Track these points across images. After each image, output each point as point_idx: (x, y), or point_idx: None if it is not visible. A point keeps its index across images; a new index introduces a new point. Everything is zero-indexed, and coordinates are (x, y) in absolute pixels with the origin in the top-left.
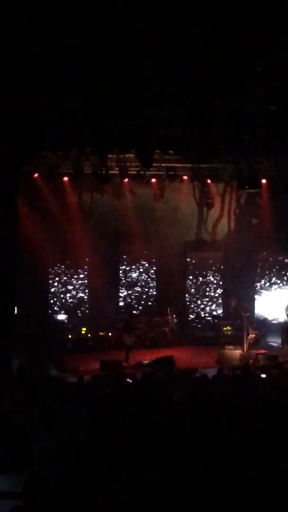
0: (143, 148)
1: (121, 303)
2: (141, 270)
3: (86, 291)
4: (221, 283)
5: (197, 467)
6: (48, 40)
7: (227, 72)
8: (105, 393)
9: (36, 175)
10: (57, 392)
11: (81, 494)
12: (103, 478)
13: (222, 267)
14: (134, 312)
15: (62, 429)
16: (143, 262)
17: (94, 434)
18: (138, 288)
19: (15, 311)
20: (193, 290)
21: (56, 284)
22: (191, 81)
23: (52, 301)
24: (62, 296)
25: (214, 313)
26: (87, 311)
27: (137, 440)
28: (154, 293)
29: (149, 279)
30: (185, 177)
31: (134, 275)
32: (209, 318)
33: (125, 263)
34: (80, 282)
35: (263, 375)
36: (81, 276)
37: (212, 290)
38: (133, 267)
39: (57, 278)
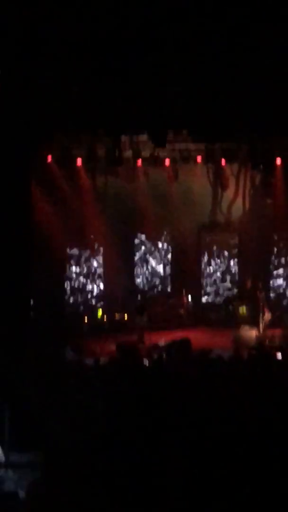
0: (156, 128)
1: (136, 285)
2: (156, 252)
3: (101, 274)
4: (236, 263)
5: (215, 447)
6: (59, 20)
7: (239, 47)
8: (121, 374)
9: (49, 158)
10: (74, 374)
11: (97, 468)
12: (118, 455)
13: (237, 248)
14: (149, 293)
15: (79, 409)
16: (158, 244)
17: (111, 413)
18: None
19: (31, 296)
20: (208, 271)
21: (71, 267)
22: (202, 57)
23: (67, 285)
24: (77, 279)
25: (230, 293)
26: (103, 294)
27: (153, 420)
28: (169, 275)
29: (164, 261)
30: (199, 159)
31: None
32: (224, 299)
33: (140, 245)
34: (95, 265)
35: (279, 354)
36: (96, 259)
37: (227, 271)
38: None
39: (72, 262)
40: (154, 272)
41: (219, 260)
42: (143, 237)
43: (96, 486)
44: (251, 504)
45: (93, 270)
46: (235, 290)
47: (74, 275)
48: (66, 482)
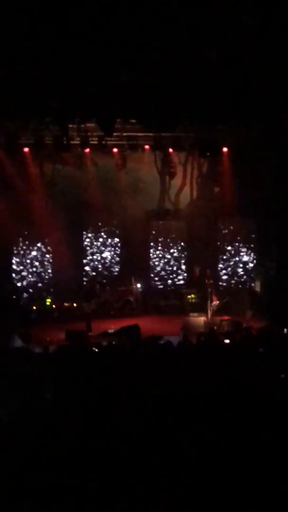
0: (104, 116)
1: (85, 273)
2: (105, 240)
3: (50, 262)
4: (184, 251)
5: (163, 432)
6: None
7: (186, 36)
8: (70, 361)
9: None
10: (22, 361)
11: (45, 454)
12: (66, 441)
13: (185, 235)
14: (98, 281)
15: (27, 395)
16: (106, 232)
17: (60, 400)
18: (103, 255)
19: None
20: (156, 259)
21: (19, 255)
22: (151, 46)
23: (15, 273)
24: (25, 267)
25: (178, 281)
26: (51, 282)
27: (103, 406)
28: (118, 262)
29: (112, 249)
30: (146, 147)
31: (98, 244)
32: (173, 287)
33: (88, 233)
34: (43, 253)
35: (227, 341)
36: (44, 247)
37: (176, 259)
38: (97, 236)
39: (20, 250)
40: (102, 260)
41: (167, 248)
42: (91, 224)
43: (43, 472)
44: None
45: (41, 257)
46: (184, 277)
47: (21, 263)
48: (12, 467)
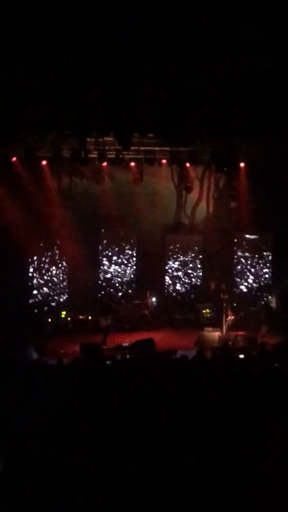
0: (122, 130)
1: (100, 286)
2: (121, 253)
3: (66, 274)
4: (200, 265)
5: (177, 446)
6: (25, 19)
7: (206, 52)
8: (84, 374)
9: (14, 158)
10: (37, 373)
11: (59, 462)
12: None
13: (201, 250)
14: (113, 295)
15: (42, 407)
16: (122, 245)
17: (73, 412)
18: (119, 268)
19: None
20: (172, 273)
21: (35, 267)
22: (169, 61)
23: (31, 284)
24: (41, 279)
25: (194, 295)
26: (67, 295)
27: (116, 419)
28: (133, 276)
29: (128, 262)
30: (163, 161)
31: (114, 257)
32: (188, 301)
33: (104, 246)
34: (59, 265)
35: (242, 356)
36: (60, 259)
37: (191, 273)
38: (113, 250)
39: (36, 262)
40: (118, 273)
41: (182, 262)
42: (107, 238)
43: (57, 481)
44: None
45: (56, 269)
46: (199, 292)
47: (38, 275)
48: (27, 477)
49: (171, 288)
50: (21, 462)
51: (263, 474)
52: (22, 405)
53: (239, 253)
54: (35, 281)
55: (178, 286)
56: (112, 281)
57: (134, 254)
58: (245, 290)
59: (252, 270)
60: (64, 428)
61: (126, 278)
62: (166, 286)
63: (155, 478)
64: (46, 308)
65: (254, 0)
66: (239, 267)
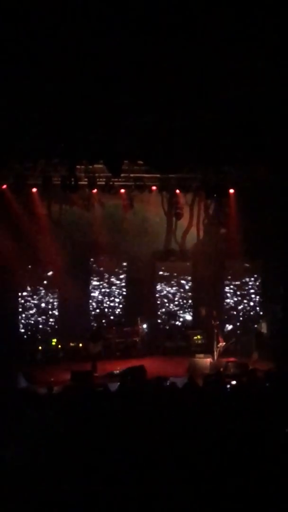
0: (111, 158)
1: (90, 313)
2: (111, 280)
3: (56, 301)
4: (190, 292)
5: (170, 475)
6: (14, 46)
7: (194, 82)
8: (75, 402)
9: (4, 186)
10: (26, 402)
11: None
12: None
13: (191, 276)
14: (104, 322)
15: (31, 436)
16: (113, 272)
17: (63, 441)
18: (109, 295)
19: None
20: (162, 299)
21: (25, 294)
22: (158, 91)
23: (20, 312)
24: (31, 306)
25: (184, 322)
26: (57, 322)
27: (109, 446)
28: (124, 303)
29: (118, 289)
30: (153, 188)
31: (104, 284)
32: (179, 328)
33: (94, 273)
34: (49, 292)
35: (233, 382)
36: (50, 286)
37: (182, 300)
38: (103, 277)
39: (26, 289)
40: (108, 300)
41: (173, 289)
42: (97, 264)
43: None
44: None
45: (46, 297)
46: (190, 319)
47: (28, 303)
48: (17, 507)
49: (162, 315)
50: (10, 492)
51: (257, 498)
52: (11, 434)
53: (229, 279)
54: (25, 308)
55: (167, 313)
56: (103, 308)
57: (124, 280)
58: (234, 316)
59: (242, 297)
60: (55, 458)
61: (116, 305)
62: (156, 313)
63: (148, 507)
64: (36, 335)
65: (239, 33)
66: (229, 293)
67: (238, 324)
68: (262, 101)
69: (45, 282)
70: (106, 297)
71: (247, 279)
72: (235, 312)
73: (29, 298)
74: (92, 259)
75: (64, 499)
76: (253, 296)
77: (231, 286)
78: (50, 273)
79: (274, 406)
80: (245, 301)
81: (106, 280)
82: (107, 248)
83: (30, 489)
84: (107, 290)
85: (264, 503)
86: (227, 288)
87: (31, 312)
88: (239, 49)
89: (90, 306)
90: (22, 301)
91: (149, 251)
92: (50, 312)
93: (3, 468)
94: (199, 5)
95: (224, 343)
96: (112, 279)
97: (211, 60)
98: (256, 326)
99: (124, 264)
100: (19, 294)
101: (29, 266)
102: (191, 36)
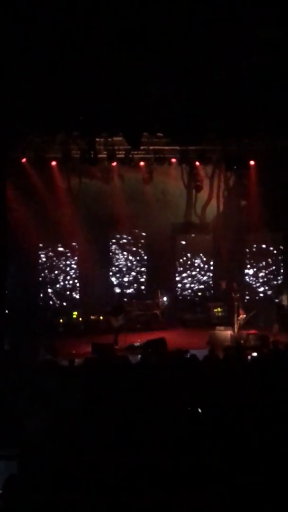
0: (131, 130)
1: (112, 286)
2: (131, 253)
3: (77, 274)
4: (211, 264)
5: (190, 446)
6: (31, 23)
7: (214, 51)
8: (96, 374)
9: (24, 160)
10: (49, 374)
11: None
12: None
13: (211, 249)
14: (124, 295)
15: (54, 408)
16: (133, 245)
17: (85, 412)
18: (130, 268)
19: (5, 295)
20: (183, 272)
21: (46, 268)
22: (178, 60)
23: (42, 285)
24: (52, 280)
25: (205, 294)
26: (78, 295)
27: (129, 419)
28: (144, 276)
29: (139, 262)
30: (173, 160)
31: (124, 257)
32: (200, 300)
33: (114, 246)
34: (70, 265)
35: (254, 354)
36: (71, 259)
37: (202, 272)
38: (124, 249)
39: (47, 262)
40: (129, 273)
41: (194, 261)
42: (117, 238)
43: (70, 481)
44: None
45: (68, 270)
46: (210, 291)
47: (48, 276)
48: (41, 478)
49: (182, 287)
50: (35, 464)
51: (277, 473)
52: (34, 406)
53: (250, 252)
54: (45, 281)
55: (188, 285)
56: (123, 281)
57: (145, 254)
58: (255, 288)
59: (263, 268)
60: (77, 429)
61: (137, 278)
62: (176, 285)
63: (168, 479)
64: (57, 308)
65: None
66: (249, 266)
67: (258, 296)
68: (284, 71)
69: (65, 255)
70: (126, 270)
71: (268, 251)
72: (255, 285)
73: (49, 272)
74: (112, 232)
75: (86, 470)
76: (273, 268)
77: (252, 259)
78: (70, 246)
79: None
80: (265, 273)
81: (126, 253)
82: (127, 221)
83: (53, 460)
84: (128, 263)
85: (285, 475)
86: (247, 260)
87: (51, 285)
88: (262, 17)
89: (111, 280)
90: (43, 274)
91: (169, 224)
92: (70, 285)
93: (27, 439)
94: None
95: (244, 315)
96: (132, 252)
97: (233, 28)
98: (277, 297)
99: (144, 236)
100: (39, 267)
101: (50, 240)
102: (212, 4)
